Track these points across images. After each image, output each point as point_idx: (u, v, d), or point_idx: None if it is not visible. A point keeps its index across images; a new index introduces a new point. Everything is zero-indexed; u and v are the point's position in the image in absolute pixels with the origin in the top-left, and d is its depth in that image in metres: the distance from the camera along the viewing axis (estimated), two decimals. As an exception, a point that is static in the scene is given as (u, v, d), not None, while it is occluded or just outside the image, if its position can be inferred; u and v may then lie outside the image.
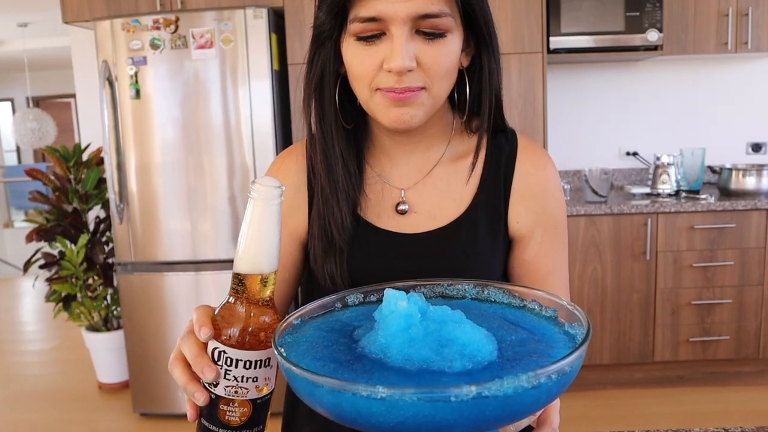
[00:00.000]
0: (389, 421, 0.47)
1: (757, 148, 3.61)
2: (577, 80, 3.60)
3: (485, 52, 0.85)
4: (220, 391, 0.63)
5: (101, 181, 3.35)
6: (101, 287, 3.32)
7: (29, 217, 3.58)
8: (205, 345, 0.64)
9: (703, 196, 3.11)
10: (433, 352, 0.53)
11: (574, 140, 3.62)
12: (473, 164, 0.90)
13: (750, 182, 3.16)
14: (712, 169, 3.47)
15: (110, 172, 2.93)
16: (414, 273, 0.85)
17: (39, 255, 3.42)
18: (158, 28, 2.80)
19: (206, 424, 0.64)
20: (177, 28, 2.80)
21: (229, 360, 0.62)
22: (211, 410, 0.64)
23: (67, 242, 3.26)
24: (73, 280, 3.27)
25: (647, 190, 3.29)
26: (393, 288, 0.59)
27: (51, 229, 3.27)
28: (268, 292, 0.64)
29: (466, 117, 0.90)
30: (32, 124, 5.77)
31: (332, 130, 0.87)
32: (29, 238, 3.29)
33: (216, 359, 0.62)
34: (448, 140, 0.93)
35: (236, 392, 0.63)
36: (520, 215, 0.91)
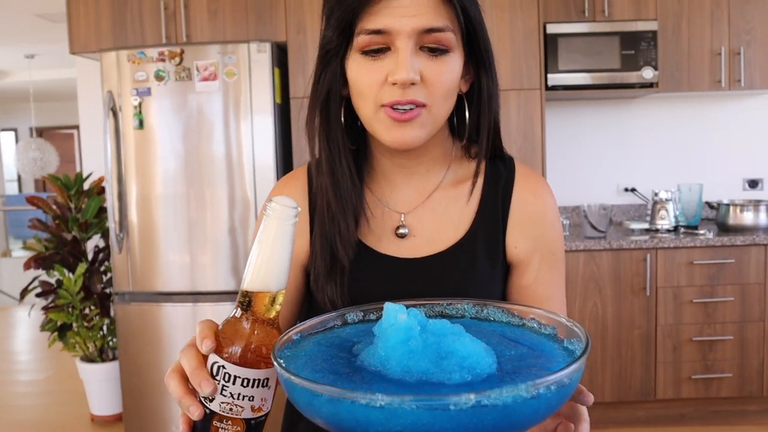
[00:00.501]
0: (388, 430, 0.46)
1: (753, 184, 3.64)
2: (575, 117, 3.64)
3: (485, 76, 0.87)
4: (215, 406, 0.62)
5: (101, 210, 3.36)
6: (98, 317, 3.30)
7: (28, 245, 3.58)
8: (206, 359, 0.63)
9: (701, 232, 3.12)
10: (433, 365, 0.53)
11: (573, 176, 3.65)
12: (471, 189, 0.91)
13: (748, 218, 3.17)
14: (709, 204, 3.48)
15: (111, 202, 2.94)
16: (413, 296, 0.84)
17: (36, 283, 3.41)
18: (163, 60, 2.84)
19: None
20: (182, 60, 2.84)
21: (227, 376, 0.61)
22: (204, 426, 0.63)
23: (65, 271, 3.25)
24: (70, 309, 3.25)
25: (646, 225, 3.30)
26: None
27: (49, 257, 3.27)
28: (274, 312, 0.64)
29: (466, 142, 0.92)
30: (35, 153, 5.81)
31: (339, 147, 0.88)
32: (27, 266, 3.28)
33: (214, 374, 0.62)
34: (448, 165, 0.94)
35: (231, 410, 0.62)
36: (518, 241, 0.92)
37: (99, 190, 3.40)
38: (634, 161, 3.66)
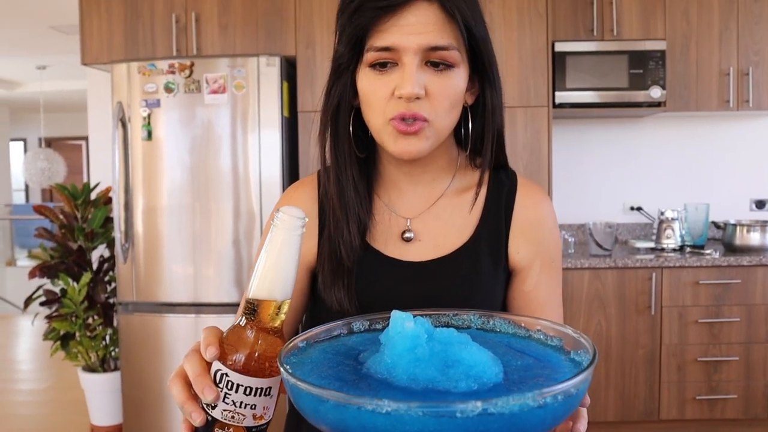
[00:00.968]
0: (394, 437, 0.46)
1: (760, 204, 3.63)
2: (582, 135, 3.65)
3: (489, 89, 0.91)
4: (217, 413, 0.62)
5: (108, 221, 3.37)
6: (101, 327, 3.30)
7: (33, 254, 3.59)
8: (209, 366, 0.63)
9: (707, 252, 3.11)
10: (439, 373, 0.53)
11: (579, 194, 3.65)
12: (475, 197, 0.95)
13: (755, 238, 3.16)
14: (716, 224, 3.47)
15: (117, 212, 2.95)
16: (418, 299, 0.90)
17: (40, 292, 3.42)
18: (173, 72, 2.87)
19: None
20: (191, 72, 2.87)
21: (230, 383, 0.61)
22: None
23: (70, 280, 3.26)
24: (73, 318, 3.26)
25: (651, 244, 3.29)
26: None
27: (54, 266, 3.28)
28: (279, 321, 0.64)
29: (471, 152, 0.96)
30: (43, 163, 5.85)
31: (346, 156, 0.92)
32: (32, 275, 3.29)
33: (217, 381, 0.62)
34: (453, 174, 0.98)
35: (233, 417, 0.62)
36: (520, 247, 0.95)
37: (106, 200, 3.41)
38: (640, 180, 3.66)
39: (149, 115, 2.90)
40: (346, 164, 0.92)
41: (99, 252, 3.50)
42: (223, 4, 3.07)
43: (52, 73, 6.76)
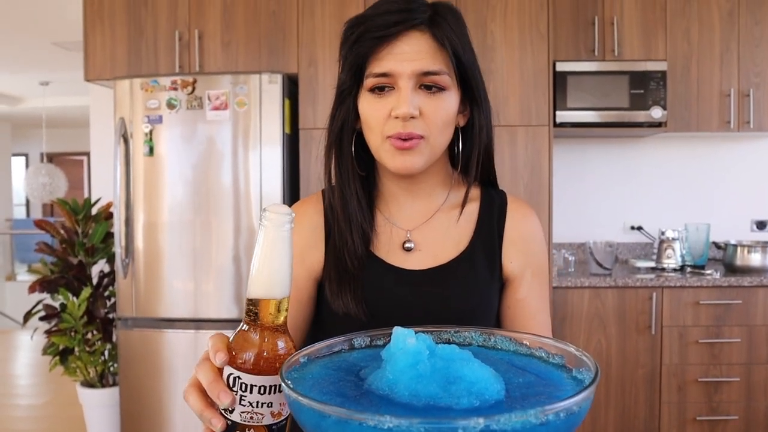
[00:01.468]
0: (395, 453, 0.46)
1: (761, 225, 3.63)
2: (583, 154, 3.66)
3: (477, 110, 1.00)
4: (235, 417, 0.63)
5: (108, 236, 3.37)
6: (100, 342, 3.29)
7: (33, 269, 3.58)
8: (221, 371, 0.64)
9: (708, 272, 3.11)
10: (441, 389, 0.53)
11: (579, 213, 3.65)
12: (461, 210, 1.04)
13: (755, 259, 3.16)
14: (716, 245, 3.47)
15: (118, 227, 2.95)
16: (419, 304, 0.97)
17: (40, 307, 3.41)
18: (176, 89, 2.88)
19: None
20: (194, 89, 2.88)
21: (243, 386, 0.62)
22: None
23: (70, 295, 3.25)
24: (72, 333, 3.24)
25: (652, 264, 3.29)
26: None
27: (55, 280, 3.27)
28: (281, 318, 0.65)
29: (462, 170, 1.04)
30: (44, 178, 5.86)
31: (349, 173, 1.01)
32: (32, 289, 3.28)
33: (231, 385, 0.63)
34: (448, 190, 1.06)
35: (252, 418, 0.63)
36: (512, 257, 1.04)
37: (106, 215, 3.42)
38: (641, 199, 3.66)
39: (151, 131, 2.91)
40: (349, 180, 1.00)
41: (99, 267, 3.50)
42: (226, 22, 3.10)
43: (55, 89, 6.80)
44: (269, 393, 0.63)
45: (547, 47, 3.00)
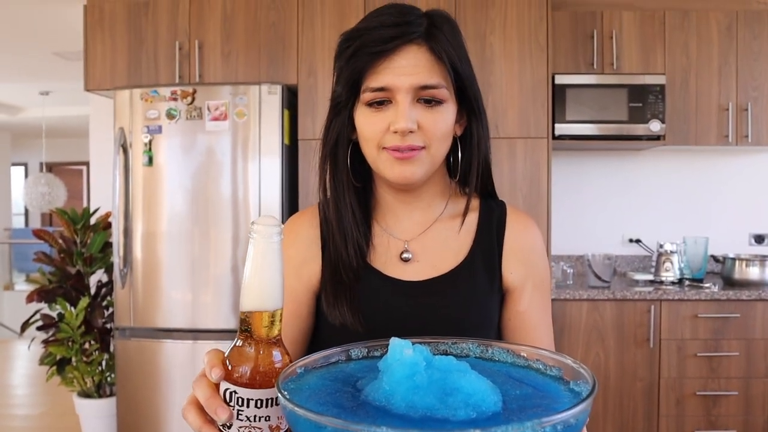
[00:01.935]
0: (391, 465, 0.46)
1: (759, 239, 3.64)
2: (581, 167, 3.67)
3: (475, 122, 0.99)
4: None
5: (107, 246, 3.37)
6: (97, 352, 3.27)
7: (31, 279, 3.57)
8: (218, 387, 0.64)
9: (706, 285, 3.10)
10: (438, 400, 0.52)
11: (578, 225, 3.65)
12: (462, 221, 1.02)
13: (754, 272, 3.16)
14: (715, 258, 3.47)
15: (117, 237, 2.95)
16: (416, 315, 0.95)
17: (37, 316, 3.40)
18: (175, 99, 2.89)
19: None
20: (194, 99, 2.89)
21: (240, 400, 0.62)
22: None
23: (67, 304, 3.24)
24: (70, 343, 3.23)
25: (650, 277, 3.28)
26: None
27: (52, 290, 3.27)
28: (275, 330, 0.65)
29: (460, 180, 1.03)
30: (43, 188, 5.86)
31: (344, 185, 0.99)
32: (30, 299, 3.28)
33: (228, 400, 0.63)
34: (446, 200, 1.05)
35: None
36: (512, 268, 1.01)
37: (105, 225, 3.41)
38: (639, 212, 3.67)
39: (150, 141, 2.91)
40: (344, 192, 0.99)
41: (97, 277, 3.49)
42: (226, 32, 3.11)
43: (55, 98, 6.81)
44: (266, 406, 0.62)
45: (546, 60, 3.02)
